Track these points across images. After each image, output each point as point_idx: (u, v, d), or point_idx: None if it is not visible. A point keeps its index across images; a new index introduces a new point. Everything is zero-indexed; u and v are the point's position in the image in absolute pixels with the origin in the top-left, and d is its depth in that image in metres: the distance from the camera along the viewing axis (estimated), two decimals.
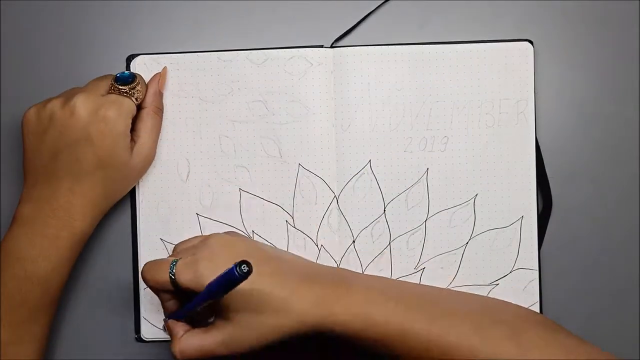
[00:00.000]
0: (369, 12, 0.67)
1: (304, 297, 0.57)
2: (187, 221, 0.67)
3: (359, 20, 0.67)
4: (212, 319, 0.60)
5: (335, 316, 0.56)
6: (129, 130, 0.62)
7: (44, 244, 0.60)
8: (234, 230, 0.66)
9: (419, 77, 0.66)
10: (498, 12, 0.67)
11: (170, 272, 0.58)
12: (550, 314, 0.66)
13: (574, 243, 0.67)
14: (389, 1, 0.67)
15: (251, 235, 0.66)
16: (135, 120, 0.64)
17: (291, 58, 0.66)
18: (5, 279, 0.60)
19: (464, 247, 0.66)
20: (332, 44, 0.67)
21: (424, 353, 0.55)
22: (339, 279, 0.60)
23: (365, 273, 0.66)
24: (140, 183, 0.67)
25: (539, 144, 0.66)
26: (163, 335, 0.67)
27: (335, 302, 0.57)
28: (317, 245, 0.66)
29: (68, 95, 0.62)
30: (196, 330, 0.59)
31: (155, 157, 0.66)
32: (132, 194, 0.67)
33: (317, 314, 0.56)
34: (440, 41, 0.66)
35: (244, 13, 0.67)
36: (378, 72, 0.66)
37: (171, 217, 0.67)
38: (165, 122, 0.67)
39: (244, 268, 0.50)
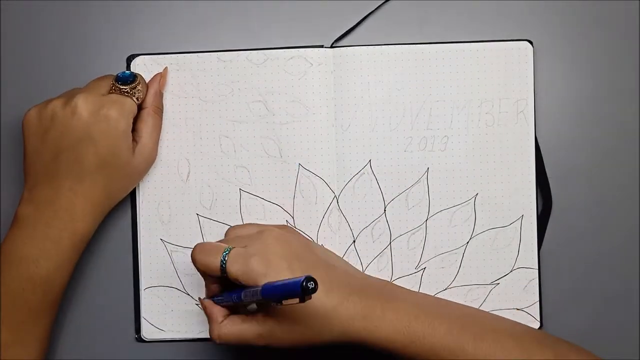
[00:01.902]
0: (369, 12, 0.67)
1: (350, 309, 0.57)
2: (188, 221, 0.67)
3: (359, 20, 0.67)
4: (252, 307, 0.60)
5: (380, 331, 0.56)
6: (130, 129, 0.62)
7: (46, 245, 0.60)
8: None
9: (419, 77, 0.66)
10: (498, 12, 0.67)
11: (222, 260, 0.57)
12: (550, 314, 0.66)
13: (574, 242, 0.67)
14: (389, 1, 0.67)
15: None
16: (135, 120, 0.64)
17: (291, 58, 0.66)
18: (6, 280, 0.60)
19: (464, 246, 0.66)
20: (332, 44, 0.67)
21: None
22: (386, 293, 0.59)
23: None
24: (141, 183, 0.67)
25: (539, 143, 0.66)
26: (163, 336, 0.67)
27: (382, 318, 0.57)
28: None
29: (69, 96, 0.62)
30: (236, 318, 0.58)
31: (156, 157, 0.66)
32: (132, 194, 0.67)
33: (362, 327, 0.56)
34: (440, 41, 0.66)
35: (244, 13, 0.67)
36: (378, 72, 0.66)
37: (171, 218, 0.67)
38: (165, 123, 0.67)
39: (311, 285, 0.49)
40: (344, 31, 0.67)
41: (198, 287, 0.67)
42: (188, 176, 0.67)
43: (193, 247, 0.60)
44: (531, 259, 0.66)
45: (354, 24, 0.67)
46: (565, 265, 0.67)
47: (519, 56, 0.66)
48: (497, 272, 0.66)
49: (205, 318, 0.66)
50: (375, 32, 0.67)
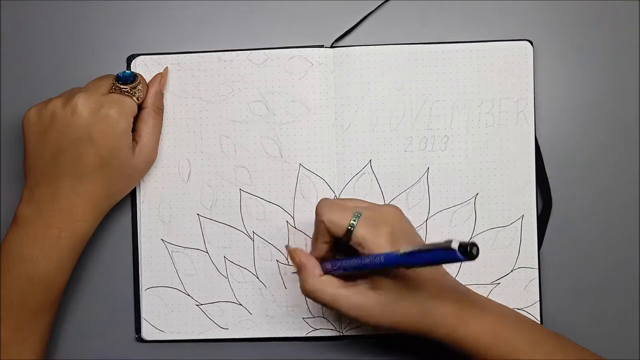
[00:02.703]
0: (369, 12, 0.67)
1: (444, 306, 0.57)
2: (188, 221, 0.67)
3: (359, 20, 0.67)
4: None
5: (469, 330, 0.57)
6: (131, 129, 0.62)
7: (46, 245, 0.60)
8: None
9: (419, 76, 0.66)
10: (498, 12, 0.67)
11: (352, 221, 0.57)
12: (550, 314, 0.66)
13: (574, 242, 0.67)
14: (389, 1, 0.67)
15: (252, 236, 0.66)
16: (135, 120, 0.64)
17: (291, 58, 0.66)
18: (6, 280, 0.60)
19: None
20: (332, 44, 0.67)
21: None
22: (472, 297, 0.60)
23: None
24: (141, 183, 0.67)
25: (539, 143, 0.66)
26: (163, 336, 0.67)
27: (472, 318, 0.58)
28: None
29: (69, 95, 0.62)
30: (335, 280, 0.58)
31: (156, 158, 0.66)
32: (133, 194, 0.67)
33: (454, 323, 0.57)
34: (441, 41, 0.66)
35: (244, 13, 0.67)
36: (378, 72, 0.66)
37: (172, 218, 0.67)
38: (166, 123, 0.67)
39: (475, 251, 0.48)
40: (344, 31, 0.67)
41: (198, 287, 0.67)
42: (189, 176, 0.67)
43: (319, 201, 0.59)
44: (531, 259, 0.66)
45: (354, 24, 0.67)
46: (565, 265, 0.67)
47: (519, 56, 0.66)
48: (497, 272, 0.66)
49: (205, 319, 0.66)
50: (375, 32, 0.67)
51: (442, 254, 0.50)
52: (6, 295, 0.60)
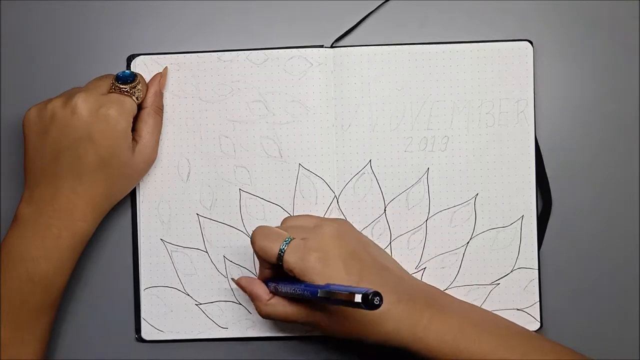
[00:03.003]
0: (369, 12, 0.67)
1: (398, 316, 0.57)
2: (188, 221, 0.67)
3: (359, 20, 0.67)
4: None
5: (426, 340, 0.57)
6: (130, 129, 0.62)
7: (46, 244, 0.60)
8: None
9: (419, 77, 0.66)
10: (498, 12, 0.67)
11: (281, 249, 0.58)
12: (550, 314, 0.66)
13: (574, 242, 0.67)
14: (389, 1, 0.67)
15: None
16: (135, 120, 0.64)
17: (291, 58, 0.66)
18: (6, 279, 0.60)
19: (464, 246, 0.66)
20: (332, 44, 0.67)
21: None
22: (433, 301, 0.60)
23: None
24: (141, 183, 0.67)
25: (539, 143, 0.66)
26: (163, 336, 0.67)
27: (428, 327, 0.57)
28: None
29: (69, 95, 0.62)
30: (283, 300, 0.60)
31: (156, 157, 0.66)
32: (132, 194, 0.67)
33: (408, 334, 0.57)
34: (440, 41, 0.66)
35: (244, 13, 0.67)
36: (378, 72, 0.66)
37: (172, 217, 0.67)
38: (165, 122, 0.67)
39: (377, 301, 0.50)
40: (344, 31, 0.67)
41: (198, 287, 0.67)
42: (188, 176, 0.67)
43: (254, 229, 0.61)
44: (531, 259, 0.66)
45: (354, 24, 0.67)
46: (565, 265, 0.67)
47: (519, 56, 0.66)
48: (497, 272, 0.66)
49: (205, 319, 0.67)
50: (375, 32, 0.67)
51: (349, 303, 0.52)
52: (6, 295, 0.60)
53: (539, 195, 0.66)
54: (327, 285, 0.55)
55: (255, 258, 0.66)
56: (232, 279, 0.64)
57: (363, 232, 0.66)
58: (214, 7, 0.68)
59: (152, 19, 0.68)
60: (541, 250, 0.66)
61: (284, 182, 0.66)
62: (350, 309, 0.57)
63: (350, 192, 0.66)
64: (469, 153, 0.66)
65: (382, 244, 0.66)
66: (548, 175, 0.66)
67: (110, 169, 0.61)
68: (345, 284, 0.56)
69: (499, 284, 0.66)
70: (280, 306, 0.60)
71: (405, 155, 0.66)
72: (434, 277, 0.66)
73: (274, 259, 0.59)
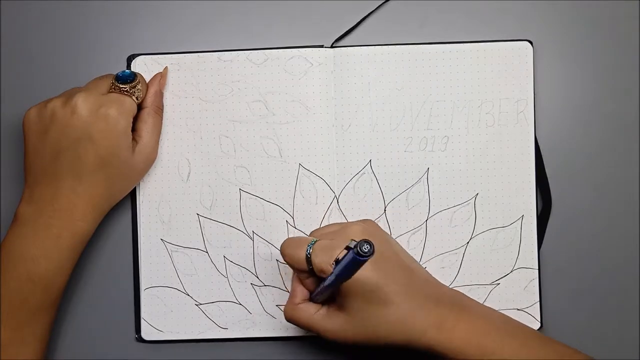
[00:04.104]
0: (369, 12, 0.67)
1: (424, 318, 0.57)
2: (188, 221, 0.67)
3: (359, 20, 0.67)
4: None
5: (452, 342, 0.57)
6: (130, 129, 0.62)
7: (46, 244, 0.60)
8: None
9: (419, 77, 0.66)
10: (498, 12, 0.67)
11: (307, 252, 0.58)
12: (550, 314, 0.66)
13: (574, 242, 0.67)
14: (389, 1, 0.67)
15: (251, 236, 0.66)
16: (135, 120, 0.64)
17: (291, 58, 0.66)
18: (6, 279, 0.60)
19: (464, 246, 0.66)
20: (332, 44, 0.67)
21: None
22: (458, 304, 0.60)
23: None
24: (141, 183, 0.67)
25: (539, 143, 0.66)
26: (163, 336, 0.67)
27: (453, 329, 0.57)
28: None
29: (69, 95, 0.62)
30: (311, 306, 0.60)
31: (156, 157, 0.66)
32: (132, 194, 0.67)
33: (433, 336, 0.57)
34: (440, 41, 0.66)
35: (244, 13, 0.67)
36: (378, 72, 0.66)
37: (172, 218, 0.67)
38: (165, 122, 0.67)
39: (365, 248, 0.49)
40: (344, 31, 0.67)
41: (198, 287, 0.67)
42: (188, 176, 0.67)
43: (282, 242, 0.61)
44: (531, 259, 0.66)
45: (354, 24, 0.67)
46: (565, 265, 0.67)
47: (519, 56, 0.66)
48: (497, 272, 0.66)
49: (205, 319, 0.67)
50: (375, 32, 0.67)
51: (350, 263, 0.51)
52: (6, 295, 0.60)
53: (538, 195, 0.66)
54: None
55: (256, 261, 0.66)
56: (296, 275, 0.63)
57: None
58: (214, 7, 0.68)
59: (152, 19, 0.68)
60: (541, 250, 0.66)
61: (284, 182, 0.66)
62: (377, 310, 0.57)
63: (350, 192, 0.66)
64: (469, 153, 0.66)
65: None
66: (548, 175, 0.67)
67: (110, 169, 0.61)
68: (372, 280, 0.56)
69: (499, 284, 0.66)
70: (307, 313, 0.60)
71: (405, 155, 0.66)
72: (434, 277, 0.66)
73: (303, 265, 0.59)
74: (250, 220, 0.67)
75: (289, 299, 0.62)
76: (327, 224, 0.66)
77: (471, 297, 0.65)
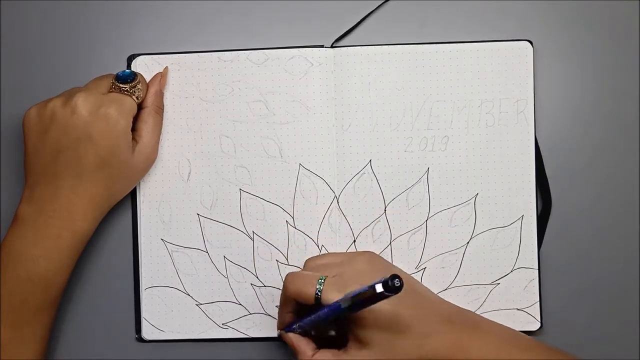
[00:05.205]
0: (369, 12, 0.67)
1: (441, 339, 0.57)
2: (188, 221, 0.67)
3: (359, 20, 0.67)
4: (331, 333, 0.62)
5: (470, 358, 0.57)
6: (130, 128, 0.62)
7: (46, 244, 0.60)
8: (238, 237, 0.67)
9: (419, 77, 0.66)
10: (498, 12, 0.67)
11: (317, 289, 0.58)
12: (550, 314, 0.66)
13: (574, 242, 0.67)
14: (389, 1, 0.67)
15: (251, 236, 0.66)
16: (135, 120, 0.64)
17: (292, 58, 0.66)
18: (6, 279, 0.60)
19: (464, 246, 0.66)
20: (332, 44, 0.67)
21: None
22: (470, 322, 0.60)
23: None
24: (142, 183, 0.67)
25: (539, 143, 0.66)
26: (163, 336, 0.67)
27: (468, 346, 0.57)
28: (317, 246, 0.66)
29: (69, 95, 0.62)
30: (328, 352, 0.59)
31: (157, 157, 0.66)
32: (133, 194, 0.67)
33: (448, 354, 0.57)
34: (440, 41, 0.66)
35: (244, 13, 0.68)
36: (378, 72, 0.66)
37: (172, 217, 0.67)
38: (166, 122, 0.67)
39: (397, 282, 0.49)
40: (344, 31, 0.67)
41: (198, 287, 0.67)
42: (189, 176, 0.67)
43: (285, 277, 0.60)
44: (531, 259, 0.66)
45: (354, 24, 0.67)
46: (565, 265, 0.67)
47: (519, 56, 0.66)
48: (497, 272, 0.66)
49: (205, 319, 0.67)
50: (375, 32, 0.67)
51: (373, 298, 0.51)
52: (6, 294, 0.60)
53: (538, 195, 0.66)
54: (345, 295, 0.55)
55: (256, 261, 0.66)
56: (281, 334, 0.63)
57: (363, 232, 0.66)
58: (214, 7, 0.68)
59: (152, 19, 0.68)
60: (541, 250, 0.66)
61: (285, 182, 0.66)
62: (395, 339, 0.57)
63: (350, 192, 0.66)
64: (469, 153, 0.66)
65: (382, 244, 0.66)
66: (548, 175, 0.67)
67: (110, 169, 0.61)
68: (389, 309, 0.56)
69: (499, 283, 0.66)
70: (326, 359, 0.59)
71: (405, 155, 0.66)
72: (434, 277, 0.66)
73: (310, 300, 0.58)
74: (250, 220, 0.67)
75: (299, 355, 0.60)
76: (327, 224, 0.66)
77: (471, 297, 0.66)
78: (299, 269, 0.65)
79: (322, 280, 0.58)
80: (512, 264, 0.66)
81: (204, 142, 0.67)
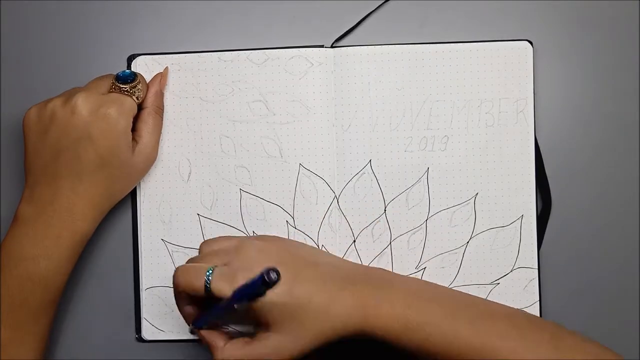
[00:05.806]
0: (369, 12, 0.67)
1: (344, 302, 0.57)
2: (188, 221, 0.67)
3: (359, 20, 0.67)
4: (239, 327, 0.61)
5: (376, 320, 0.56)
6: (130, 129, 0.62)
7: (45, 244, 0.60)
8: (235, 231, 0.66)
9: (419, 76, 0.66)
10: (498, 12, 0.67)
11: (206, 280, 0.57)
12: (550, 313, 0.66)
13: (574, 242, 0.67)
14: (389, 1, 0.67)
15: (252, 236, 0.66)
16: (136, 120, 0.64)
17: (292, 58, 0.66)
18: (6, 279, 0.60)
19: (464, 246, 0.66)
20: (332, 44, 0.67)
21: (467, 354, 0.55)
22: (378, 281, 0.59)
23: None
24: (142, 183, 0.67)
25: (539, 143, 0.66)
26: (163, 336, 0.67)
27: (376, 306, 0.57)
28: (317, 246, 0.66)
29: (69, 95, 0.62)
30: (238, 341, 0.58)
31: (157, 157, 0.66)
32: (133, 194, 0.67)
33: (358, 318, 0.56)
34: (440, 41, 0.66)
35: (244, 13, 0.68)
36: (378, 72, 0.66)
37: (172, 217, 0.67)
38: (166, 123, 0.67)
39: (273, 276, 0.49)
40: (344, 31, 0.67)
41: None
42: (189, 176, 0.67)
43: (174, 271, 0.59)
44: (531, 259, 0.66)
45: (354, 24, 0.67)
46: (565, 265, 0.67)
47: (519, 56, 0.66)
48: (497, 272, 0.66)
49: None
50: (375, 32, 0.67)
51: (256, 290, 0.51)
52: (6, 294, 0.60)
53: (538, 195, 0.66)
54: (233, 290, 0.55)
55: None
56: (192, 331, 0.62)
57: (363, 232, 0.66)
58: (214, 7, 0.68)
59: (152, 19, 0.68)
60: (541, 250, 0.66)
61: (285, 182, 0.66)
62: (300, 314, 0.56)
63: (350, 192, 0.66)
64: (469, 153, 0.66)
65: (382, 244, 0.66)
66: (548, 175, 0.67)
67: (110, 169, 0.61)
68: (284, 288, 0.56)
69: (498, 283, 0.66)
70: (238, 349, 0.58)
71: (405, 155, 0.66)
72: (434, 277, 0.66)
73: (201, 292, 0.57)
74: (250, 220, 0.67)
75: (211, 347, 0.59)
76: (327, 224, 0.66)
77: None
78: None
79: (211, 272, 0.57)
80: (512, 264, 0.66)
81: (204, 142, 0.67)
